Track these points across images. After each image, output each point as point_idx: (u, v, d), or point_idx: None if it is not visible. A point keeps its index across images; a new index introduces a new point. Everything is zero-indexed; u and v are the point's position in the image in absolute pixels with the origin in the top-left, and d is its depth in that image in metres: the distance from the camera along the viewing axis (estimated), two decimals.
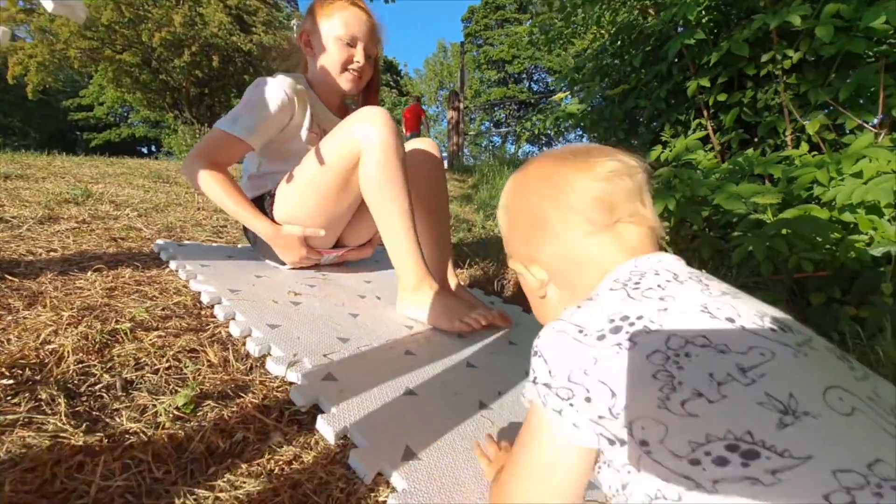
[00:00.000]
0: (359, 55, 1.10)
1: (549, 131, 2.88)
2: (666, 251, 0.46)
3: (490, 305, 1.18)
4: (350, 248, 1.27)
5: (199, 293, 0.89)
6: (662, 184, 1.81)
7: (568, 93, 2.49)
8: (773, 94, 1.71)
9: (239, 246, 1.37)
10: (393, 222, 0.97)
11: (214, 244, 1.35)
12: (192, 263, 1.02)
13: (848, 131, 1.66)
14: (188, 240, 1.36)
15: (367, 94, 1.24)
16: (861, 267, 1.41)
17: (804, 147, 1.64)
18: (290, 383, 0.66)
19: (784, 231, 1.36)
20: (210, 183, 1.01)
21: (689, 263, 0.46)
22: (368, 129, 0.95)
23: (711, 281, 0.40)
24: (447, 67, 26.40)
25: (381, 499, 0.49)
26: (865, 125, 1.57)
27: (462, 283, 1.25)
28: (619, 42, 2.32)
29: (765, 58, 1.62)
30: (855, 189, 1.28)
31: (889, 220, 1.35)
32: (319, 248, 1.18)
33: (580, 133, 2.63)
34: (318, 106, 1.15)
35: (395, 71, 26.22)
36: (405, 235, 0.97)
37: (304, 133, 1.10)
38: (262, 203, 1.12)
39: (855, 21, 1.45)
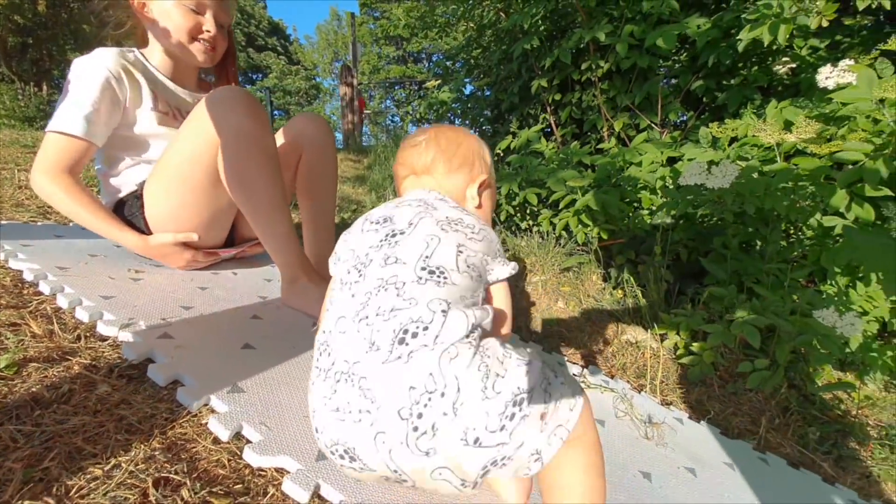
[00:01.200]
0: (209, 24, 1.00)
1: (430, 116, 3.06)
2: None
3: None
4: (252, 243, 1.19)
5: (21, 271, 0.86)
6: (512, 169, 2.11)
7: (440, 80, 2.68)
8: (591, 97, 2.08)
9: (71, 225, 1.28)
10: (262, 217, 0.90)
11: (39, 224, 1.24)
12: (10, 243, 0.96)
13: (642, 129, 2.11)
14: (6, 220, 1.23)
15: (224, 66, 1.15)
16: (645, 234, 1.85)
17: (613, 141, 2.05)
18: (122, 344, 0.70)
19: (591, 206, 1.69)
20: (59, 198, 0.89)
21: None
22: (223, 115, 0.85)
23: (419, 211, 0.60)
24: (342, 38, 25.03)
25: (203, 421, 0.60)
26: (654, 125, 2.02)
27: None
28: (483, 38, 2.56)
29: (583, 66, 1.97)
30: (635, 174, 1.66)
31: (661, 198, 1.76)
32: (212, 247, 1.09)
33: (453, 119, 2.85)
34: (161, 82, 1.04)
35: (282, 35, 24.11)
36: (277, 230, 0.92)
37: (147, 114, 0.99)
38: (132, 207, 1.00)
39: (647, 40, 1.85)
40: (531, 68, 2.23)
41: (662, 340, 1.31)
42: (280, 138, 1.13)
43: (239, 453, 0.56)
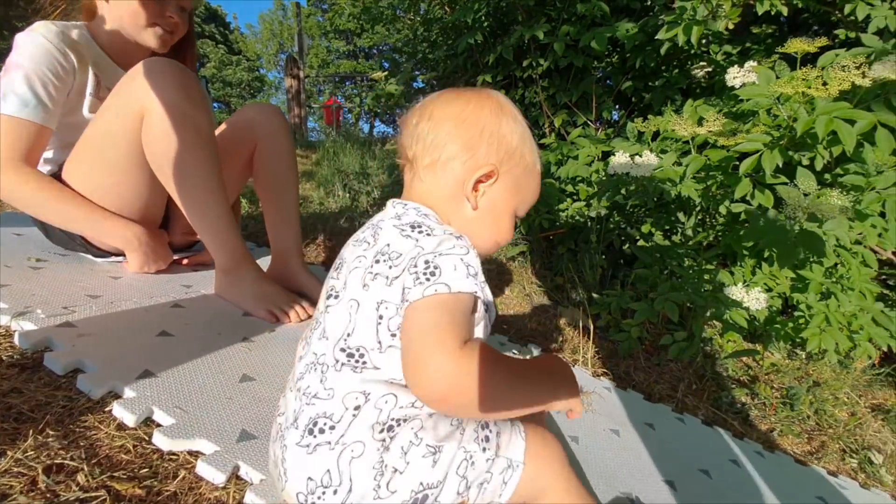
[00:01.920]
0: (171, 9, 0.93)
1: (378, 109, 3.03)
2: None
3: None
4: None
5: None
6: None
7: (387, 72, 2.67)
8: (534, 94, 2.17)
9: None
10: (193, 201, 0.85)
11: None
12: None
13: (580, 126, 2.23)
14: None
15: (181, 51, 1.05)
16: (583, 224, 1.95)
17: (553, 136, 2.15)
18: (16, 333, 0.64)
19: None
20: (32, 193, 0.80)
21: None
22: (151, 88, 0.78)
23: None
24: (288, 29, 24.09)
25: (107, 408, 0.56)
26: (590, 122, 2.15)
27: (306, 263, 1.13)
28: (430, 32, 2.59)
29: (525, 63, 2.05)
30: (572, 167, 1.76)
31: (599, 190, 1.86)
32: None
33: (399, 111, 2.84)
34: (106, 66, 0.94)
35: (222, 23, 22.80)
36: (211, 214, 0.86)
37: (86, 100, 0.90)
38: None
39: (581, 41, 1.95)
40: (476, 63, 2.29)
41: (596, 320, 1.41)
42: (228, 128, 1.07)
43: (147, 439, 0.53)
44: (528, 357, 1.06)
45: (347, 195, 2.67)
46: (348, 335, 0.46)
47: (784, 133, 1.11)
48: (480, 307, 0.47)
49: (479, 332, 0.50)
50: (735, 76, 1.27)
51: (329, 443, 0.42)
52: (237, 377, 0.68)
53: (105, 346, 0.66)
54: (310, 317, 0.94)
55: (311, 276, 1.06)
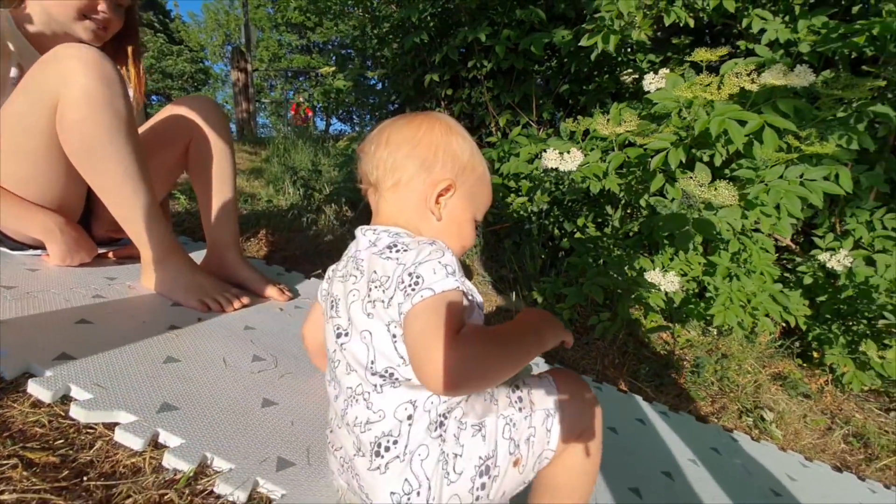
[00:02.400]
0: (104, 4, 0.90)
1: (327, 104, 3.01)
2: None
3: (277, 277, 1.20)
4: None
5: None
6: None
7: (335, 67, 2.67)
8: (480, 94, 2.27)
9: None
10: (114, 191, 0.82)
11: None
12: None
13: (523, 126, 2.35)
14: None
15: (120, 46, 1.02)
16: (526, 218, 2.07)
17: (498, 135, 2.25)
18: None
19: None
20: None
21: None
22: (66, 74, 0.76)
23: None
24: (235, 19, 23.00)
25: (21, 388, 0.56)
26: (531, 123, 2.27)
27: (245, 257, 1.13)
28: (379, 28, 2.62)
29: (470, 64, 2.14)
30: (513, 164, 1.86)
31: (533, 185, 1.96)
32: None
33: (351, 108, 2.85)
34: (31, 57, 0.89)
35: (161, 11, 21.41)
36: (137, 203, 0.84)
37: (7, 92, 0.85)
38: None
39: (521, 44, 2.06)
40: (424, 62, 2.35)
41: (533, 306, 1.51)
42: (161, 120, 1.06)
43: (64, 414, 0.54)
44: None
45: (298, 192, 2.65)
46: (373, 362, 0.50)
47: (689, 133, 1.26)
48: (467, 298, 0.51)
49: (474, 319, 0.54)
50: (650, 82, 1.41)
51: (398, 457, 0.48)
52: (161, 359, 0.69)
53: (20, 332, 0.65)
54: (245, 306, 0.96)
55: (251, 268, 1.07)
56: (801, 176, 1.19)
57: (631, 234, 1.76)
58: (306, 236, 1.71)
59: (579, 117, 1.54)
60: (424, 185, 0.58)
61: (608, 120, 1.40)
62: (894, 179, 1.63)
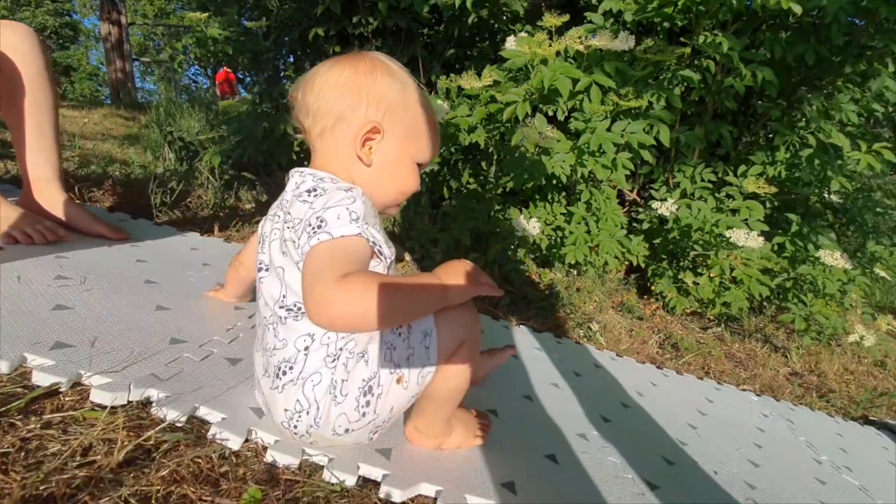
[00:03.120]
0: None
1: (207, 55, 2.78)
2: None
3: (118, 224, 1.15)
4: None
5: None
6: None
7: (208, 14, 2.47)
8: None
9: None
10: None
11: None
12: None
13: None
14: None
15: None
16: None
17: None
18: None
19: None
20: None
21: None
22: None
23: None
24: None
25: None
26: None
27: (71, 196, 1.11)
28: None
29: (354, 20, 2.13)
30: None
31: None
32: None
33: (232, 64, 2.67)
34: None
35: None
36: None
37: None
38: None
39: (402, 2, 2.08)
40: (309, 15, 2.28)
41: (412, 252, 1.62)
42: None
43: None
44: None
45: (179, 160, 2.44)
46: (283, 296, 0.55)
47: (537, 89, 1.41)
48: (374, 248, 0.52)
49: (380, 269, 0.55)
50: (511, 44, 1.54)
51: (292, 381, 0.54)
52: None
53: None
54: (59, 238, 0.94)
55: (77, 206, 1.02)
56: (624, 130, 1.41)
57: (507, 188, 1.93)
58: (168, 191, 1.62)
59: (452, 75, 1.63)
60: (350, 130, 0.57)
61: (480, 78, 1.52)
62: (711, 140, 1.98)
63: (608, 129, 1.42)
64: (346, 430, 0.54)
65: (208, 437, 0.54)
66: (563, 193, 2.01)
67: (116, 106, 5.56)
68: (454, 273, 0.56)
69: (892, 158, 1.45)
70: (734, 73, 1.61)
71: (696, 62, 1.61)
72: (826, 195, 1.85)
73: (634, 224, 2.10)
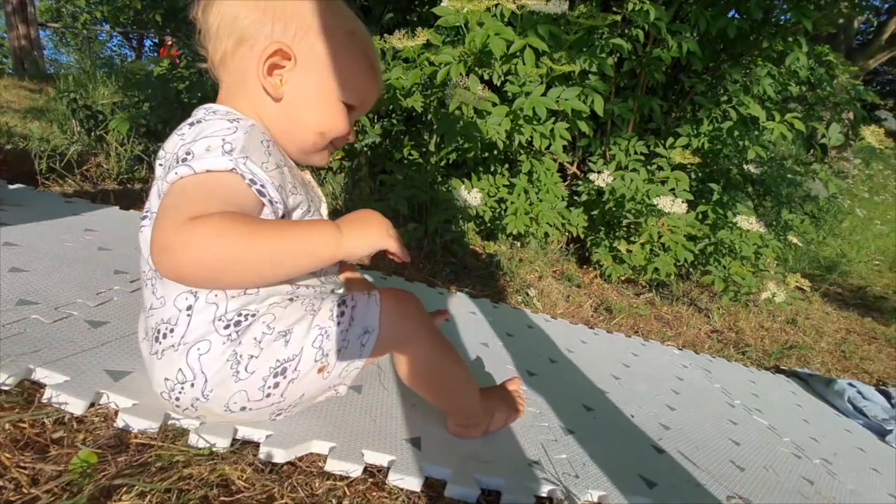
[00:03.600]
0: None
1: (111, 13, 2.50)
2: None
3: None
4: None
5: None
6: None
7: None
8: None
9: None
10: None
11: None
12: None
13: None
14: None
15: None
16: (357, 152, 2.06)
17: None
18: None
19: None
20: None
21: None
22: None
23: None
24: None
25: None
26: None
27: None
28: None
29: None
30: None
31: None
32: None
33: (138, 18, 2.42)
34: None
35: None
36: None
37: None
38: None
39: None
40: None
41: None
42: None
43: None
44: None
45: (87, 130, 2.19)
46: None
47: (470, 50, 1.38)
48: (256, 188, 0.44)
49: (267, 213, 0.46)
50: (445, 3, 1.49)
51: (173, 346, 0.46)
52: None
53: None
54: None
55: None
56: (559, 97, 1.41)
57: (450, 160, 1.89)
58: (58, 157, 1.44)
59: (385, 35, 1.56)
60: (252, 54, 0.47)
61: (406, 35, 1.45)
62: (644, 114, 2.04)
63: (543, 95, 1.41)
64: (243, 409, 0.48)
65: (43, 402, 0.47)
66: (506, 165, 2.01)
67: (20, 77, 4.93)
68: (357, 221, 0.49)
69: (802, 128, 1.56)
70: (662, 45, 1.66)
71: (626, 31, 1.63)
72: (745, 166, 1.97)
73: (576, 197, 2.14)
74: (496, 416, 0.62)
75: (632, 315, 1.61)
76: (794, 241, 2.14)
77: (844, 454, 0.99)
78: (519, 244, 1.97)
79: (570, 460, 0.63)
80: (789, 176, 1.93)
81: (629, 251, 1.87)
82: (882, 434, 1.21)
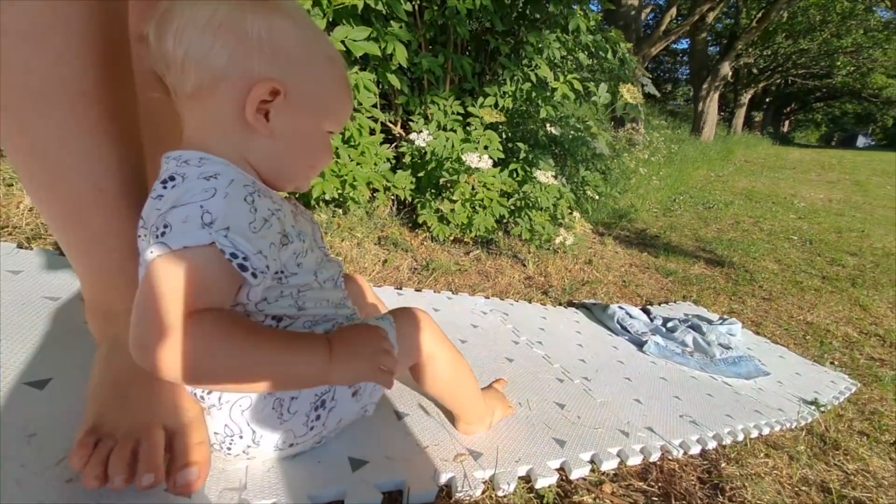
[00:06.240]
0: None
1: None
2: None
3: None
4: None
5: None
6: None
7: None
8: None
9: None
10: None
11: None
12: None
13: None
14: None
15: None
16: None
17: None
18: None
19: None
20: None
21: None
22: None
23: None
24: None
25: None
26: None
27: None
28: None
29: None
30: None
31: None
32: None
33: None
34: None
35: None
36: None
37: None
38: None
39: None
40: None
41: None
42: None
43: None
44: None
45: None
46: None
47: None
48: (237, 262, 0.40)
49: (257, 289, 0.44)
50: None
51: (214, 405, 0.48)
52: None
53: None
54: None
55: None
56: (346, 37, 1.29)
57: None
58: None
59: None
60: (236, 89, 0.42)
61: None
62: (460, 74, 2.07)
63: (328, 33, 1.28)
64: (291, 445, 0.52)
65: None
66: None
67: None
68: (350, 351, 0.47)
69: (580, 88, 1.74)
70: None
71: None
72: (547, 127, 2.17)
73: (403, 160, 2.10)
74: (497, 412, 0.72)
75: (450, 272, 1.65)
76: (591, 194, 2.46)
77: (606, 369, 1.15)
78: (341, 210, 1.86)
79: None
80: (573, 133, 2.17)
81: (452, 210, 1.91)
82: (640, 345, 1.47)
